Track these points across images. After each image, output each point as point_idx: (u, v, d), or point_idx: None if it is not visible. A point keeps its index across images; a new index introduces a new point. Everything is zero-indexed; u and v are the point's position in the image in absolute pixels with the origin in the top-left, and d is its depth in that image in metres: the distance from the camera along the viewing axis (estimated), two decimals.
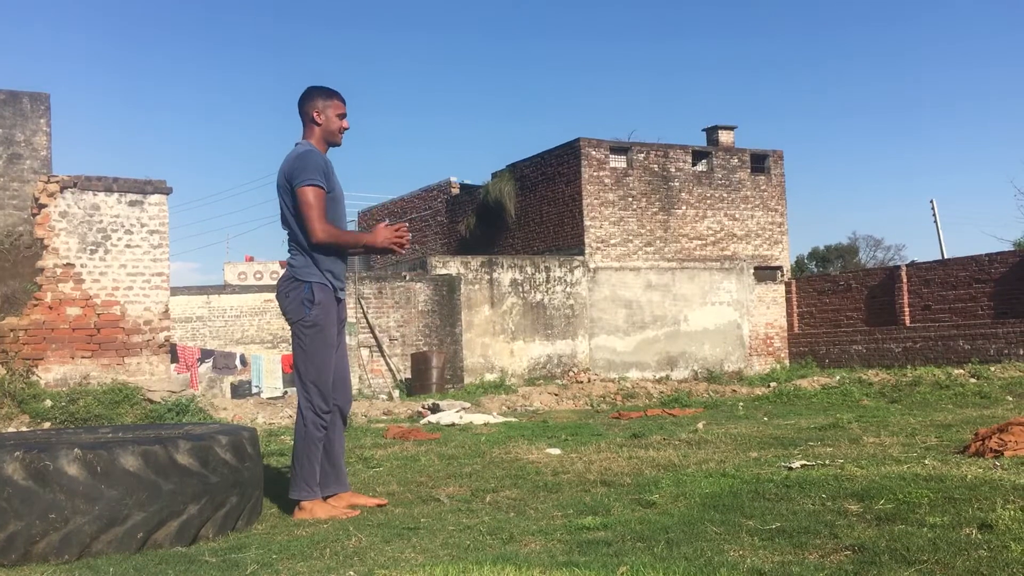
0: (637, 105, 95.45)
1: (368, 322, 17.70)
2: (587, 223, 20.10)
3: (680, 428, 8.45)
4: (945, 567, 2.88)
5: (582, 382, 18.20)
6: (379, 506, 4.60)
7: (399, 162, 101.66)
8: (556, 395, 15.30)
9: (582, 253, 20.07)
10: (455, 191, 25.59)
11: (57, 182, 12.27)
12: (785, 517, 3.71)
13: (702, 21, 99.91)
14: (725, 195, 21.86)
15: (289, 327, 4.65)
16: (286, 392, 18.21)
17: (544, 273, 19.63)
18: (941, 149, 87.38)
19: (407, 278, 18.28)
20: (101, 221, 12.46)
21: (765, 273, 22.34)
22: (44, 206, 12.18)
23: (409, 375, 17.41)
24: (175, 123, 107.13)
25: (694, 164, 21.73)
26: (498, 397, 14.77)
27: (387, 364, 17.65)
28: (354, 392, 14.28)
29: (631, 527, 3.67)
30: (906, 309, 19.82)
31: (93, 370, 12.10)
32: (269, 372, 21.78)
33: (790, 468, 5.04)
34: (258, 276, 38.08)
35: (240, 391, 22.18)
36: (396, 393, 16.77)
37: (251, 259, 40.55)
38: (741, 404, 12.65)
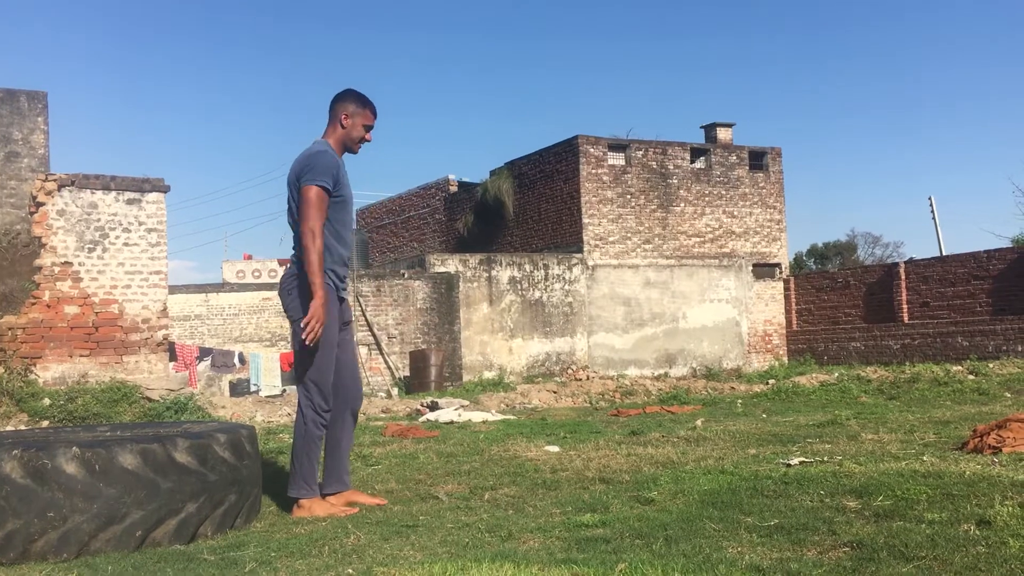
0: (635, 102, 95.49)
1: (367, 320, 17.70)
2: (585, 220, 20.10)
3: (679, 425, 8.45)
4: (943, 563, 2.88)
5: (581, 379, 18.21)
6: (378, 505, 4.60)
7: (397, 160, 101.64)
8: (555, 393, 15.31)
9: (580, 251, 20.07)
10: (453, 189, 25.58)
11: (55, 180, 12.26)
12: (783, 514, 3.71)
13: (701, 19, 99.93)
14: (723, 192, 21.87)
15: (289, 324, 4.64)
16: (284, 390, 18.23)
17: (543, 271, 19.63)
18: (940, 147, 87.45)
19: (406, 276, 18.28)
20: (99, 219, 12.45)
21: (764, 270, 22.35)
22: (42, 204, 12.17)
23: (408, 373, 17.41)
24: (173, 121, 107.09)
25: (692, 161, 21.73)
26: (497, 395, 14.77)
27: (386, 362, 17.65)
28: None
29: (630, 524, 3.67)
30: (904, 306, 19.83)
31: (91, 368, 12.10)
32: (267, 370, 21.79)
33: (788, 465, 5.04)
34: (256, 274, 38.07)
35: (238, 389, 22.17)
36: (395, 391, 16.78)
37: (249, 257, 40.55)
38: (740, 401, 12.66)
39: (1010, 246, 20.07)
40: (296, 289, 4.52)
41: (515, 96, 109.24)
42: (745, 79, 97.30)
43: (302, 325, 4.31)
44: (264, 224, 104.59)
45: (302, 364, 4.54)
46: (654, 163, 21.10)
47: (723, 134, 22.77)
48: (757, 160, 22.56)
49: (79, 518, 3.57)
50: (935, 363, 16.52)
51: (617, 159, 20.80)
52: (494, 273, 19.15)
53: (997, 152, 78.97)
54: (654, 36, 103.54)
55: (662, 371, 20.27)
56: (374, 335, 17.64)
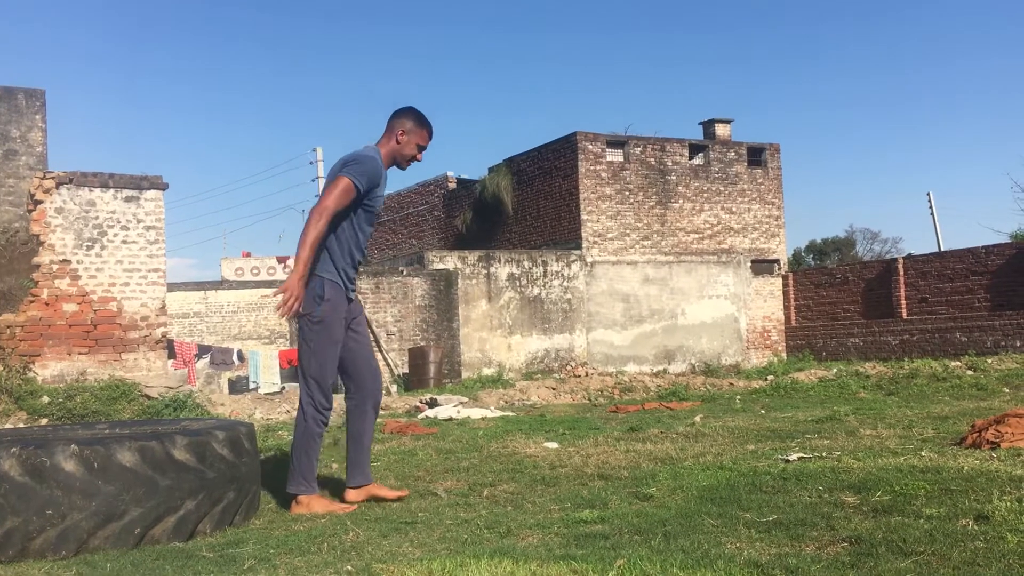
0: (634, 99, 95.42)
1: (365, 317, 17.69)
2: (584, 217, 20.10)
3: (677, 421, 8.45)
4: (941, 558, 2.88)
5: (580, 376, 18.21)
6: (399, 498, 4.57)
7: None
8: (554, 389, 15.31)
9: (579, 247, 20.07)
10: (452, 186, 25.57)
11: (53, 178, 12.25)
12: (782, 509, 3.71)
13: (699, 15, 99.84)
14: (722, 188, 21.87)
15: (295, 320, 4.64)
16: (284, 387, 18.23)
17: (541, 267, 19.63)
18: (938, 142, 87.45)
19: (404, 273, 18.28)
20: (97, 217, 12.44)
21: (762, 266, 22.35)
22: (40, 202, 12.16)
23: (406, 370, 17.41)
24: (171, 119, 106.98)
25: (691, 158, 21.73)
26: (496, 391, 14.77)
27: (385, 359, 17.65)
28: None
29: (628, 520, 3.67)
30: (903, 302, 19.84)
31: (90, 366, 12.09)
32: (266, 367, 21.79)
33: (787, 461, 5.04)
34: (255, 272, 38.05)
35: (238, 386, 22.19)
36: (394, 388, 16.78)
37: (248, 255, 40.52)
38: (738, 397, 12.66)
39: (1008, 242, 20.07)
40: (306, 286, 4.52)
41: (514, 92, 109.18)
42: (743, 75, 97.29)
43: (273, 295, 4.30)
44: (263, 221, 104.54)
45: (305, 361, 4.54)
46: (653, 159, 21.10)
47: (721, 130, 22.77)
48: (755, 156, 22.56)
49: (78, 516, 3.57)
50: (933, 359, 16.54)
51: (616, 156, 20.79)
52: (493, 270, 19.14)
53: (996, 148, 79.01)
54: (652, 32, 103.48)
55: (661, 367, 20.28)
56: (373, 332, 17.64)
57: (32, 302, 11.95)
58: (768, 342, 22.18)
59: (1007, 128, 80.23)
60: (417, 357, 16.89)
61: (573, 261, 19.95)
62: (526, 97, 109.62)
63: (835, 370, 15.93)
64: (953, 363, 14.81)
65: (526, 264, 19.52)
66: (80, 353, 12.10)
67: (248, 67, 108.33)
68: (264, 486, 4.88)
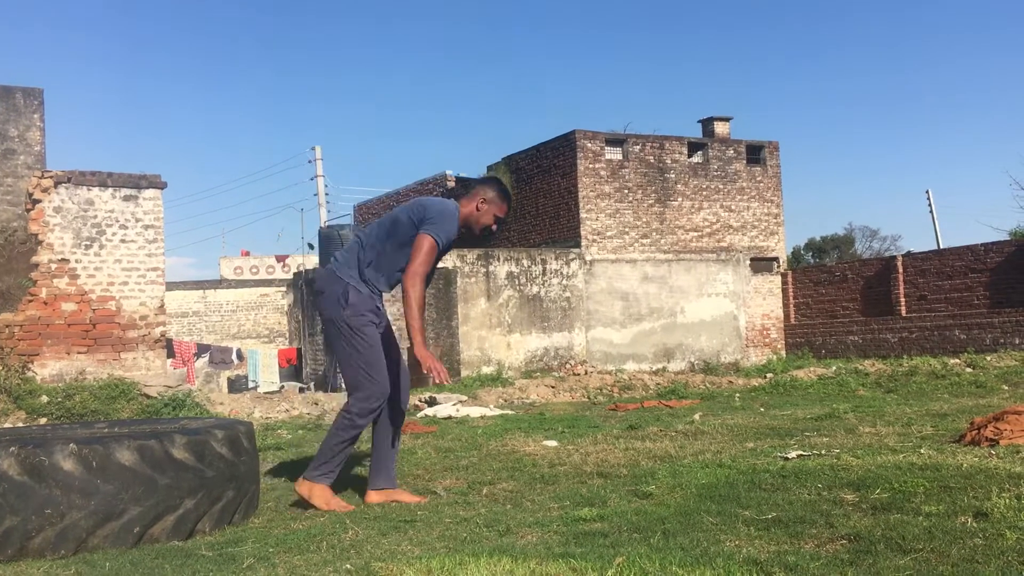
0: (633, 97, 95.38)
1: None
2: (583, 215, 20.09)
3: (677, 419, 8.46)
4: (940, 555, 2.88)
5: (579, 374, 18.21)
6: (419, 503, 4.53)
7: (394, 155, 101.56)
8: (553, 387, 15.32)
9: (578, 245, 20.07)
10: (451, 184, 25.56)
11: (51, 177, 12.24)
12: (781, 507, 3.71)
13: (698, 13, 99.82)
14: (721, 186, 21.86)
15: (322, 323, 4.68)
16: (283, 386, 18.22)
17: (540, 266, 19.63)
18: (937, 140, 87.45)
19: (403, 271, 18.26)
20: (95, 216, 12.43)
21: (761, 264, 22.35)
22: (38, 201, 12.15)
23: None
24: (170, 118, 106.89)
25: (690, 156, 21.72)
26: (495, 390, 14.77)
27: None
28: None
29: (627, 518, 3.67)
30: (902, 299, 19.84)
31: (89, 365, 12.09)
32: (265, 366, 21.78)
33: (786, 458, 5.04)
34: (254, 271, 38.04)
35: (237, 385, 22.17)
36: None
37: (247, 254, 40.50)
38: (738, 395, 12.67)
39: (1007, 239, 20.09)
40: (329, 287, 4.58)
41: (513, 91, 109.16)
42: (742, 73, 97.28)
43: (425, 372, 4.44)
44: (262, 220, 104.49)
45: (351, 365, 4.53)
46: (651, 157, 21.09)
47: (720, 128, 22.76)
48: (754, 154, 22.55)
49: (77, 515, 3.57)
50: (933, 356, 16.54)
51: (614, 154, 20.78)
52: (492, 268, 19.14)
53: (995, 146, 79.04)
54: (651, 30, 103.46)
55: (660, 365, 20.28)
56: None
57: (31, 301, 11.94)
58: (767, 340, 22.19)
59: (1006, 126, 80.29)
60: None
61: (572, 259, 19.95)
62: (525, 95, 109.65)
63: (834, 368, 15.93)
64: (952, 360, 14.82)
65: (525, 262, 19.52)
66: (79, 352, 12.10)
67: (247, 66, 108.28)
68: (263, 485, 4.88)
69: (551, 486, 4.76)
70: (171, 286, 26.44)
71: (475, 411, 10.98)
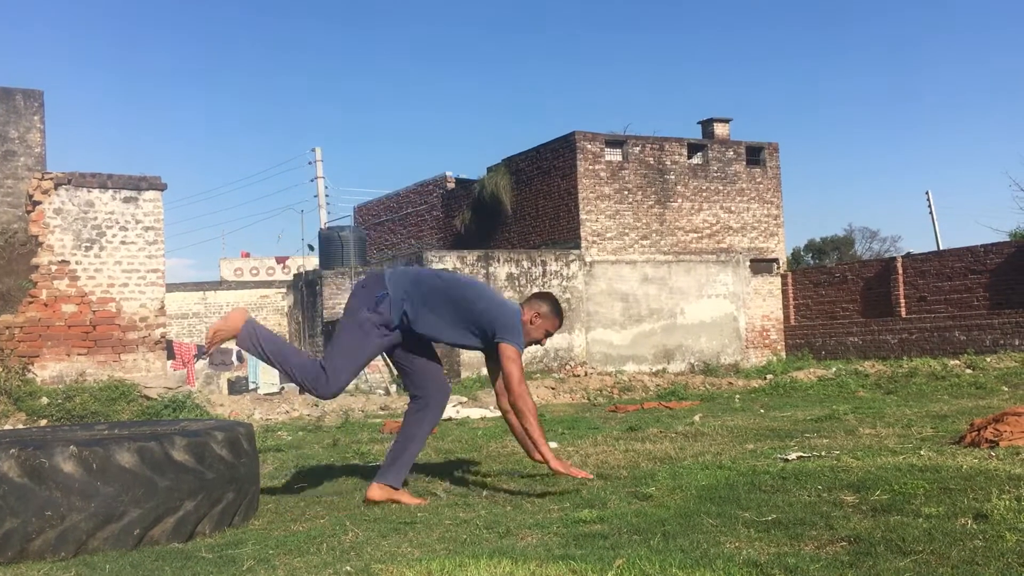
0: (632, 98, 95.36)
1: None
2: (583, 217, 20.10)
3: (677, 421, 8.46)
4: (940, 557, 2.88)
5: (579, 376, 18.22)
6: (418, 505, 4.54)
7: (394, 157, 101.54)
8: (553, 389, 15.32)
9: (578, 247, 20.07)
10: (451, 185, 25.57)
11: (51, 179, 12.25)
12: (781, 509, 3.71)
13: (697, 14, 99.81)
14: (721, 188, 21.87)
15: (345, 310, 4.73)
16: (283, 388, 18.21)
17: (540, 267, 19.63)
18: (937, 141, 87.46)
19: None
20: (96, 218, 12.44)
21: (761, 265, 22.36)
22: (38, 203, 12.16)
23: None
24: (170, 119, 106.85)
25: (690, 157, 21.73)
26: (495, 391, 14.76)
27: (384, 359, 17.65)
28: (351, 388, 14.27)
29: (627, 520, 3.67)
30: (902, 300, 19.85)
31: (89, 367, 12.09)
32: (265, 368, 21.78)
33: (786, 460, 5.04)
34: (254, 272, 38.05)
35: (237, 387, 22.16)
36: (393, 388, 16.78)
37: (247, 255, 40.51)
38: (737, 396, 12.67)
39: (1007, 240, 20.08)
40: (370, 284, 4.66)
41: (512, 92, 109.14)
42: (742, 74, 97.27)
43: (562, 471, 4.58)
44: (262, 222, 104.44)
45: (338, 344, 4.64)
46: (651, 159, 21.10)
47: (720, 129, 22.77)
48: (754, 155, 22.56)
49: (77, 517, 3.57)
50: (932, 357, 16.54)
51: (614, 155, 20.79)
52: (492, 270, 19.14)
53: (994, 147, 79.04)
54: (651, 31, 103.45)
55: (660, 367, 20.28)
56: None
57: (31, 303, 11.95)
58: (767, 341, 22.19)
59: (1006, 127, 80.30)
60: None
61: (572, 261, 19.95)
62: (525, 97, 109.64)
63: (834, 369, 15.93)
64: (952, 362, 14.82)
65: (525, 264, 19.52)
66: (79, 354, 12.10)
67: (247, 67, 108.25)
68: (263, 487, 4.88)
69: (551, 488, 4.76)
70: (171, 287, 26.44)
71: (475, 412, 10.99)
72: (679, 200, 21.30)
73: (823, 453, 5.29)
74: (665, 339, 20.83)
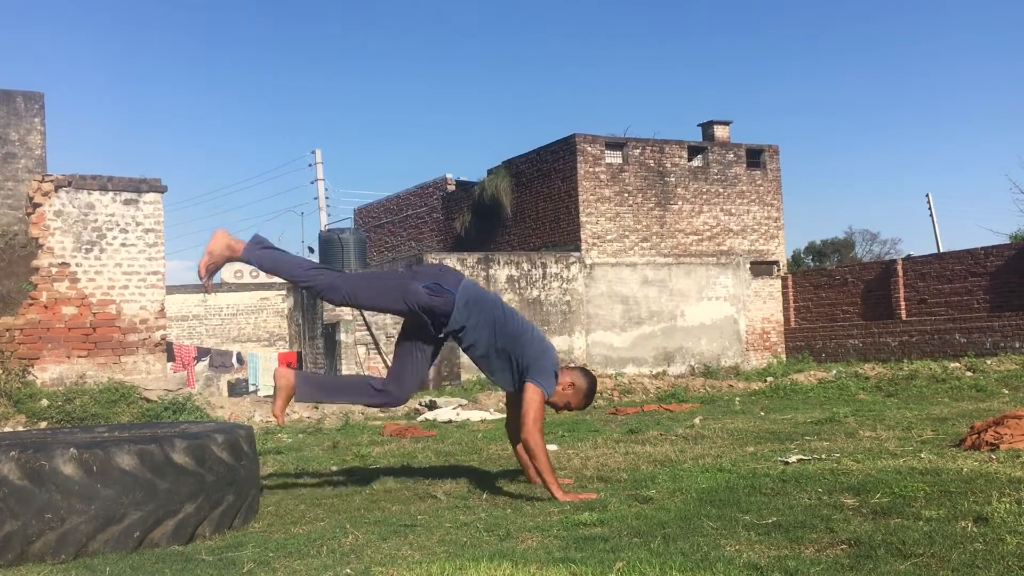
0: (632, 101, 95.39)
1: (365, 319, 17.70)
2: (583, 219, 20.10)
3: (677, 423, 8.45)
4: (941, 560, 2.88)
5: None
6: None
7: (395, 159, 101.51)
8: None
9: (578, 249, 20.08)
10: (451, 188, 25.58)
11: (52, 181, 12.25)
12: (781, 511, 3.71)
13: (697, 16, 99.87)
14: (721, 190, 21.88)
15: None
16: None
17: (540, 269, 19.63)
18: (937, 143, 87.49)
19: None
20: (96, 220, 12.44)
21: (761, 268, 22.36)
22: (39, 205, 12.16)
23: None
24: (170, 122, 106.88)
25: (690, 159, 21.74)
26: (495, 394, 14.75)
27: (384, 361, 17.64)
28: None
29: (627, 523, 3.67)
30: (902, 303, 19.84)
31: (89, 369, 12.09)
32: (266, 370, 21.80)
33: (786, 463, 5.04)
34: (254, 274, 38.00)
35: (237, 389, 22.18)
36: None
37: None
38: (738, 399, 12.66)
39: (1008, 243, 20.08)
40: (443, 293, 4.68)
41: (512, 95, 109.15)
42: (742, 77, 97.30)
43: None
44: (262, 224, 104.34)
45: (385, 282, 4.84)
46: (651, 161, 21.11)
47: (720, 132, 22.78)
48: (754, 158, 22.57)
49: (77, 519, 3.57)
50: (933, 360, 16.53)
51: (614, 157, 20.80)
52: (492, 272, 19.15)
53: (995, 149, 79.08)
54: (651, 34, 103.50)
55: (660, 369, 20.28)
56: (372, 334, 17.64)
57: (31, 305, 11.95)
58: (767, 343, 22.19)
59: (1006, 129, 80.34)
60: None
61: (572, 263, 19.96)
62: (525, 99, 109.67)
63: (834, 371, 15.92)
64: (952, 364, 14.81)
65: (525, 266, 19.53)
66: (79, 356, 12.11)
67: (247, 69, 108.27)
68: (263, 489, 4.88)
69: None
70: (171, 289, 26.42)
71: (475, 415, 10.98)
72: (679, 202, 21.31)
73: (823, 456, 5.29)
74: (665, 341, 20.83)
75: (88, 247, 12.34)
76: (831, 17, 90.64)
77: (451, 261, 18.90)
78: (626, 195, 20.68)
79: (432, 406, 12.52)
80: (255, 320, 30.73)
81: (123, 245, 12.56)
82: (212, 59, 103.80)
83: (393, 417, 12.06)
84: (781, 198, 22.73)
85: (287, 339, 24.62)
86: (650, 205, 20.95)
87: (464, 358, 18.34)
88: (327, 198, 33.46)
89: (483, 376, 17.91)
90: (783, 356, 22.11)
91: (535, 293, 19.52)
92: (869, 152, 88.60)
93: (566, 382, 4.84)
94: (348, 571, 3.15)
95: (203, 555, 3.53)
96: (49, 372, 11.88)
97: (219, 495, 3.97)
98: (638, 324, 20.59)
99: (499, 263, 19.29)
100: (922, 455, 5.09)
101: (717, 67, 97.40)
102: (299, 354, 20.01)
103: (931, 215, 36.72)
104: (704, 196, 21.65)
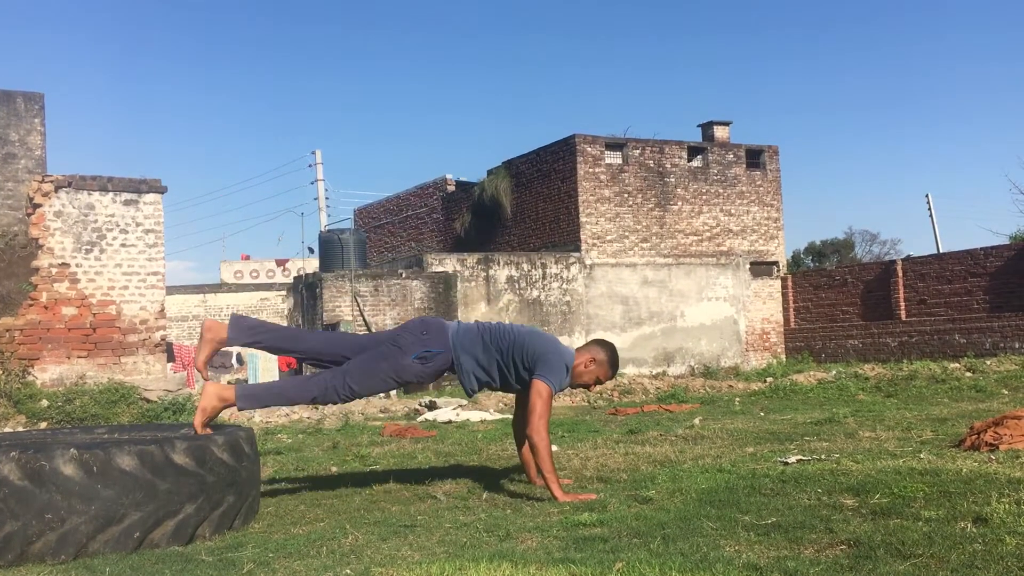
0: (632, 101, 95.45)
1: (365, 320, 17.70)
2: (583, 219, 20.11)
3: (677, 424, 8.46)
4: (940, 561, 2.88)
5: None
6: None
7: (394, 159, 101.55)
8: None
9: (578, 249, 20.08)
10: (451, 188, 25.58)
11: (52, 182, 12.25)
12: (781, 512, 3.71)
13: (697, 17, 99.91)
14: (721, 191, 21.88)
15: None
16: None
17: (540, 270, 19.63)
18: (937, 144, 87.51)
19: (403, 276, 18.28)
20: (96, 220, 12.44)
21: (761, 268, 22.36)
22: (39, 206, 12.16)
23: None
24: (170, 122, 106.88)
25: (689, 160, 21.74)
26: (495, 394, 14.76)
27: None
28: None
29: (627, 523, 3.67)
30: (902, 303, 19.85)
31: (89, 370, 12.09)
32: (266, 370, 21.78)
33: (786, 463, 5.04)
34: (254, 275, 38.06)
35: None
36: (393, 392, 16.78)
37: (247, 257, 40.51)
38: (737, 399, 12.66)
39: (1007, 243, 20.09)
40: (432, 333, 4.71)
41: (512, 95, 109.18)
42: (742, 78, 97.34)
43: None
44: (262, 224, 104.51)
45: (372, 365, 4.65)
46: (651, 162, 21.11)
47: (720, 132, 22.79)
48: (754, 158, 22.58)
49: (77, 520, 3.57)
50: (932, 360, 16.54)
51: (614, 158, 20.81)
52: (492, 272, 19.15)
53: (994, 150, 79.10)
54: (651, 34, 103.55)
55: (660, 370, 20.28)
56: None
57: (31, 305, 11.95)
58: (767, 344, 22.19)
59: (1006, 130, 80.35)
60: None
61: (572, 263, 19.95)
62: (525, 100, 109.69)
63: (834, 372, 15.92)
64: (952, 365, 14.81)
65: (525, 267, 19.53)
66: (79, 356, 12.11)
67: (247, 70, 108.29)
68: (263, 490, 4.88)
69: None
70: (171, 290, 26.44)
71: (475, 415, 10.98)
72: (679, 203, 21.31)
73: (823, 456, 5.29)
74: (665, 342, 20.83)
75: (88, 248, 12.34)
76: (831, 17, 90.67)
77: (451, 261, 18.91)
78: (626, 195, 20.68)
79: (432, 406, 12.53)
80: (255, 317, 30.76)
81: (123, 245, 12.56)
82: (212, 59, 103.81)
83: (393, 417, 12.06)
84: (781, 198, 22.75)
85: None
86: (650, 205, 20.95)
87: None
88: (327, 198, 33.46)
89: None
90: (783, 356, 22.11)
91: (535, 293, 19.52)
92: (869, 152, 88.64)
93: (586, 359, 4.79)
94: (348, 571, 3.15)
95: (203, 556, 3.53)
96: (49, 372, 11.88)
97: (219, 496, 3.97)
98: (638, 324, 20.59)
99: (499, 263, 19.29)
100: (921, 456, 5.09)
101: (717, 67, 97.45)
102: None
103: (931, 215, 36.73)
104: (704, 196, 21.65)
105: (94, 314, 12.28)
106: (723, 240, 21.79)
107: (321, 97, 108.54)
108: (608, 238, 20.40)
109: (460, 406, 12.36)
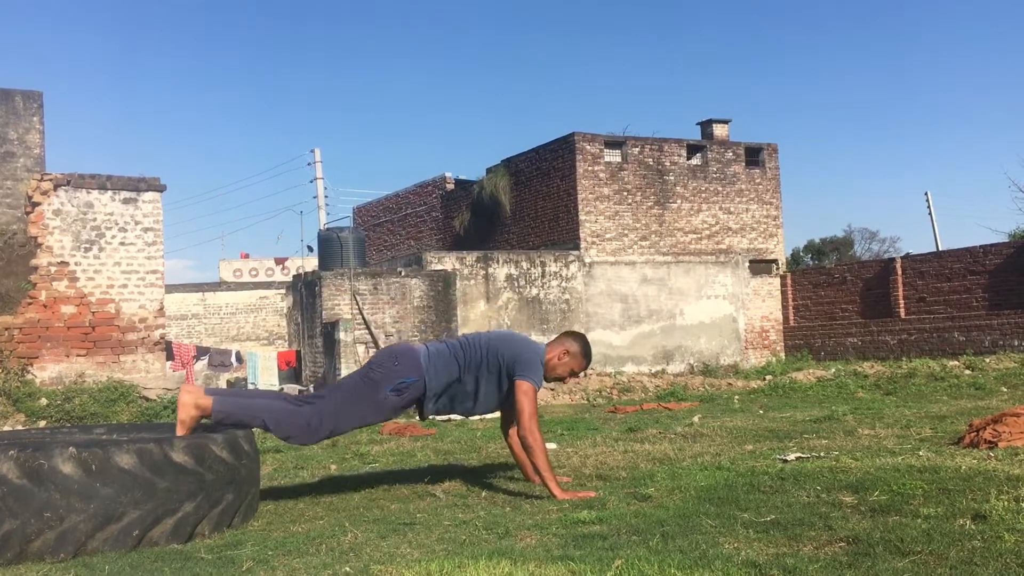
0: (632, 99, 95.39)
1: (364, 318, 17.70)
2: (582, 217, 20.10)
3: (676, 422, 8.46)
4: (939, 558, 2.88)
5: (578, 377, 18.19)
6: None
7: (394, 158, 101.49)
8: (552, 390, 15.31)
9: (577, 248, 20.08)
10: (450, 186, 25.58)
11: (50, 180, 12.25)
12: (780, 509, 3.72)
13: (696, 15, 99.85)
14: (720, 189, 21.88)
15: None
16: (282, 388, 18.21)
17: (539, 268, 19.63)
18: (936, 142, 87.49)
19: (402, 274, 18.28)
20: (95, 219, 12.44)
21: (760, 266, 22.37)
22: (38, 204, 12.16)
23: None
24: (169, 121, 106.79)
25: (689, 158, 21.74)
26: None
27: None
28: None
29: (626, 521, 3.68)
30: (901, 301, 19.85)
31: (88, 368, 12.09)
32: (265, 369, 21.77)
33: (785, 461, 5.05)
34: (253, 273, 38.03)
35: (236, 388, 22.09)
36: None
37: (246, 256, 40.50)
38: (737, 397, 12.67)
39: (1006, 241, 20.09)
40: (404, 358, 4.67)
41: (511, 93, 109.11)
42: (741, 76, 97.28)
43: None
44: (262, 223, 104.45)
45: (341, 397, 4.62)
46: (651, 160, 21.11)
47: (719, 130, 22.78)
48: (753, 156, 22.57)
49: (76, 518, 3.57)
50: (932, 358, 16.55)
51: (613, 156, 20.80)
52: (491, 271, 19.15)
53: (994, 147, 79.07)
54: (650, 33, 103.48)
55: (659, 368, 20.29)
56: (371, 333, 17.64)
57: (30, 304, 11.95)
58: (766, 342, 22.20)
59: (1005, 128, 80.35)
60: None
61: (571, 262, 19.96)
62: (524, 98, 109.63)
63: (833, 370, 15.94)
64: (951, 362, 14.83)
65: (524, 265, 19.52)
66: (78, 355, 12.10)
67: (246, 68, 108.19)
68: (262, 488, 4.88)
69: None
70: (170, 288, 26.43)
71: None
72: (678, 201, 21.31)
73: (822, 454, 5.29)
74: (664, 340, 20.84)
75: (87, 246, 12.33)
76: (831, 16, 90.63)
77: (450, 260, 18.90)
78: (625, 194, 20.68)
79: None
80: (254, 319, 30.75)
81: (122, 244, 12.55)
82: (211, 58, 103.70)
83: None
84: (780, 196, 22.74)
85: (286, 338, 24.63)
86: (649, 203, 20.95)
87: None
88: (326, 197, 33.46)
89: None
90: (782, 354, 22.12)
91: (534, 292, 19.52)
92: (868, 150, 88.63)
93: (559, 352, 4.82)
94: (347, 569, 3.15)
95: (202, 553, 3.54)
96: (48, 371, 11.87)
97: (218, 494, 3.97)
98: (637, 323, 20.59)
99: (498, 262, 19.29)
100: (920, 453, 5.09)
101: (716, 66, 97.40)
102: (298, 353, 20.02)
103: (930, 213, 36.74)
104: (703, 194, 21.65)
105: (93, 312, 12.27)
106: (722, 238, 21.79)
107: (320, 96, 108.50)
108: (607, 236, 20.40)
109: None
